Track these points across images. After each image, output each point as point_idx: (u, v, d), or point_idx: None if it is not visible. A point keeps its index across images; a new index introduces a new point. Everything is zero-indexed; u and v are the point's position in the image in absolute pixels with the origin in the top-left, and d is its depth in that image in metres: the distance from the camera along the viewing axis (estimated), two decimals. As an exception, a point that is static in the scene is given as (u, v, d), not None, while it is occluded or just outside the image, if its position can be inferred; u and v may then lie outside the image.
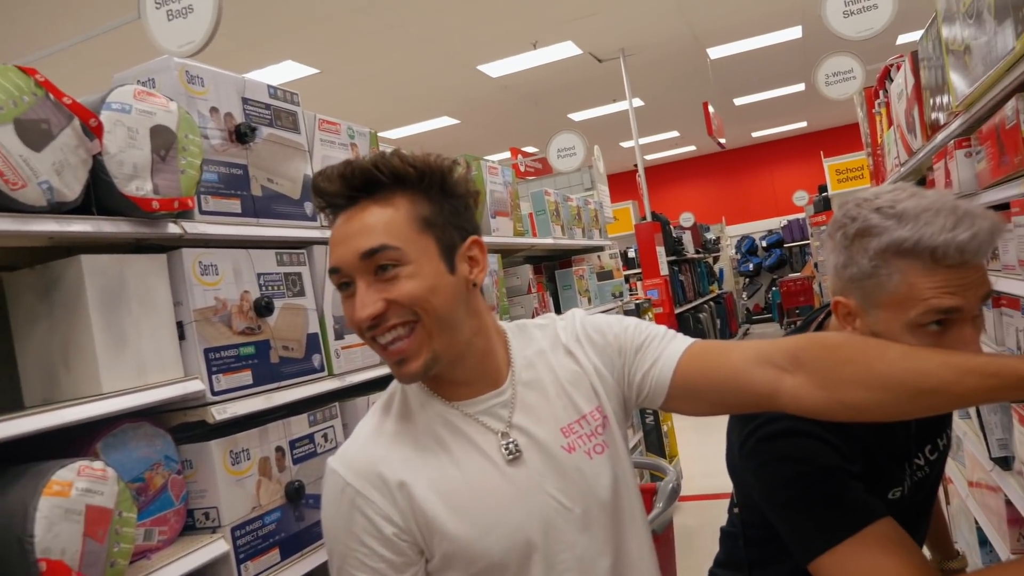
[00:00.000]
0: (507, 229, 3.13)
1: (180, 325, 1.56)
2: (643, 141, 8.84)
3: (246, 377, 1.65)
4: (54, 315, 1.42)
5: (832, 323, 1.17)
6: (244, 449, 1.61)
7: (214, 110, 1.73)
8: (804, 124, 14.59)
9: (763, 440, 1.09)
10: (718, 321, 10.26)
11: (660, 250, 7.50)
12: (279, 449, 1.71)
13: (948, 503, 3.29)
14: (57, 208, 1.33)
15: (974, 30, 1.66)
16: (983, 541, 2.71)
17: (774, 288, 12.23)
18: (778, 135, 15.26)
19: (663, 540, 1.91)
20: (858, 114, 4.30)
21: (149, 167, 1.48)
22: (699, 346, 1.04)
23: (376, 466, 0.95)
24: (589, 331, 1.10)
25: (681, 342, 1.05)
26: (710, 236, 11.89)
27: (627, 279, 6.50)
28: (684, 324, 8.26)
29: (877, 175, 3.95)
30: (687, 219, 10.50)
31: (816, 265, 9.34)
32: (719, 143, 9.08)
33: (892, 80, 2.97)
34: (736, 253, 13.95)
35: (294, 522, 1.70)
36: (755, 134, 14.92)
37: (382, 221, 0.94)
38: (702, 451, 5.39)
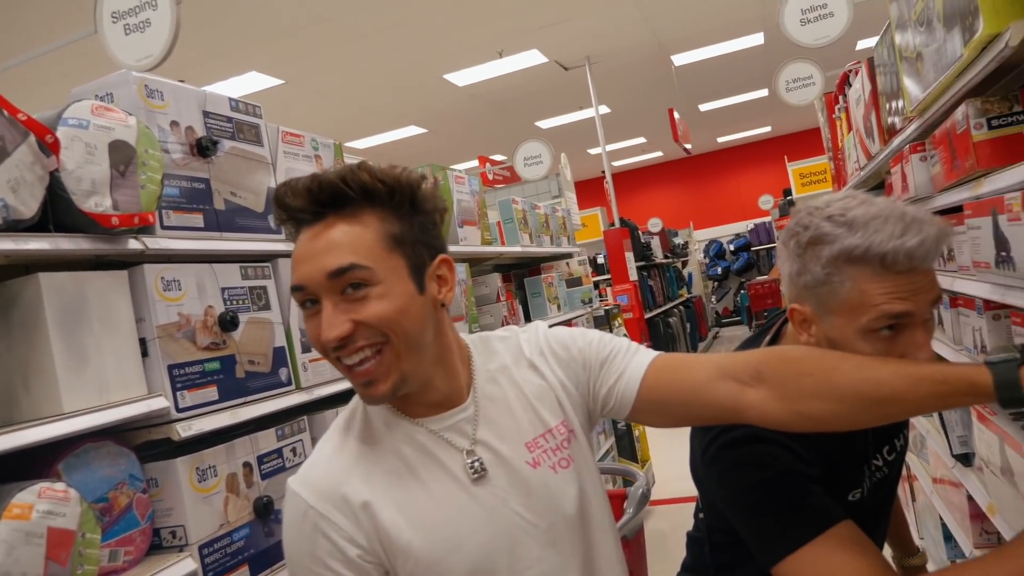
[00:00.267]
0: (475, 238, 3.13)
1: (143, 342, 1.54)
2: (610, 148, 8.90)
3: (212, 393, 1.63)
4: (12, 335, 1.40)
5: (789, 329, 1.19)
6: (211, 466, 1.59)
7: (174, 124, 1.71)
8: (768, 129, 14.81)
9: (724, 447, 1.11)
10: (688, 325, 10.34)
11: (629, 256, 7.55)
12: (247, 465, 1.69)
13: (914, 499, 3.35)
14: (13, 226, 1.31)
15: (925, 37, 1.70)
16: (948, 536, 2.77)
17: (742, 291, 12.37)
18: (743, 140, 15.47)
19: (633, 545, 1.92)
20: (819, 119, 4.38)
21: (108, 183, 1.46)
22: (663, 360, 1.05)
23: (339, 487, 0.94)
24: (553, 345, 1.10)
25: (645, 355, 1.06)
26: (678, 241, 12.00)
27: (596, 285, 6.54)
28: (654, 329, 8.32)
29: (839, 179, 4.02)
30: (655, 224, 10.59)
31: (782, 268, 9.43)
32: (685, 149, 9.18)
33: (851, 85, 3.04)
34: (704, 257, 14.09)
35: (263, 538, 1.69)
36: (721, 139, 15.11)
37: (350, 239, 0.91)
38: (675, 455, 5.40)
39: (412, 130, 10.06)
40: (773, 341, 1.22)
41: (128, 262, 1.57)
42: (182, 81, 1.80)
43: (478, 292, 3.37)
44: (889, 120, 2.32)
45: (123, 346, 1.50)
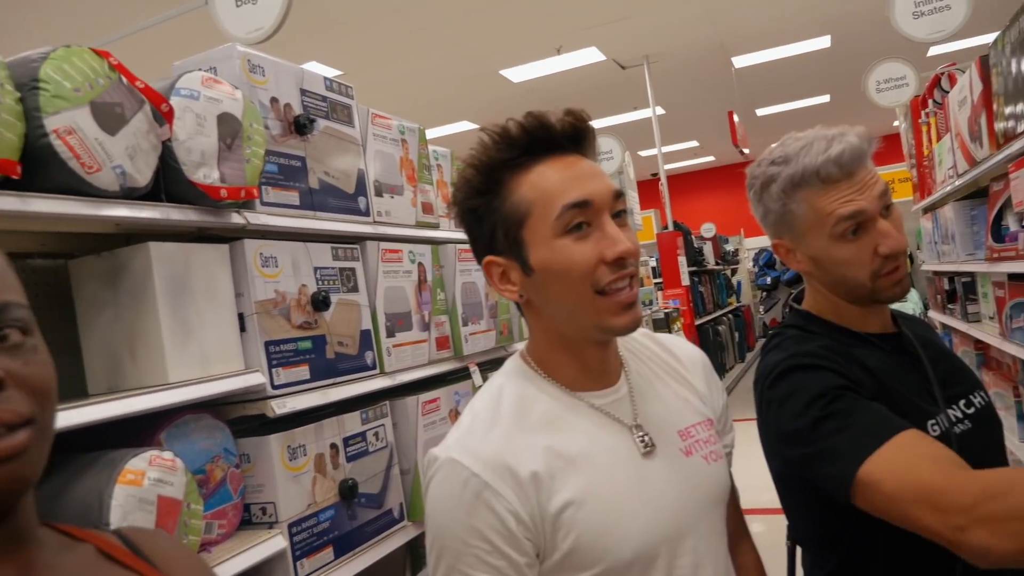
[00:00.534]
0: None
1: (241, 317, 1.53)
2: (664, 150, 8.78)
3: (304, 372, 1.62)
4: (120, 303, 1.40)
5: (808, 295, 1.28)
6: (301, 445, 1.58)
7: (274, 100, 1.71)
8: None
9: (769, 387, 1.15)
10: (736, 335, 10.18)
11: (682, 259, 7.44)
12: (333, 446, 1.68)
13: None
14: (129, 194, 1.32)
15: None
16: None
17: (792, 303, 12.15)
18: (798, 147, 15.14)
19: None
20: (900, 125, 4.23)
21: (216, 155, 1.46)
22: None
23: (503, 457, 0.89)
24: (708, 371, 1.13)
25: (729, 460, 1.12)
26: (729, 248, 11.82)
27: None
28: (704, 336, 8.19)
29: (922, 187, 3.88)
30: (708, 230, 10.43)
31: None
32: (743, 152, 9.03)
33: (943, 89, 2.92)
34: (754, 266, 13.85)
35: (347, 520, 1.67)
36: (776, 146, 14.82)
37: (604, 172, 0.96)
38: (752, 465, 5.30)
39: (464, 125, 10.07)
40: (797, 299, 1.28)
41: (226, 237, 1.57)
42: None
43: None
44: (1007, 124, 2.20)
45: (223, 320, 1.49)
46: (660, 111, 9.43)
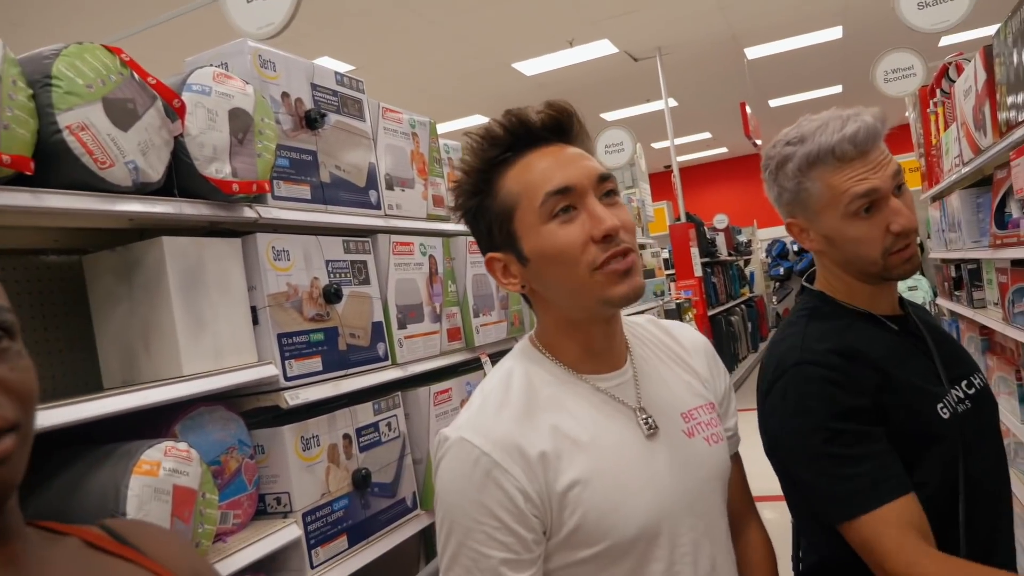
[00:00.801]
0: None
1: (254, 310, 1.55)
2: (676, 142, 8.75)
3: (316, 364, 1.64)
4: (134, 297, 1.42)
5: (819, 273, 1.31)
6: (314, 435, 1.60)
7: (285, 95, 1.72)
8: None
9: (776, 378, 1.18)
10: (749, 325, 10.14)
11: (694, 251, 7.42)
12: (346, 436, 1.70)
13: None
14: (141, 189, 1.33)
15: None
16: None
17: (804, 283, 12.07)
18: (811, 137, 15.03)
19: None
20: (909, 114, 4.20)
21: (228, 150, 1.48)
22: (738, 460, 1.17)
23: (513, 437, 0.91)
24: (710, 356, 1.15)
25: (735, 442, 1.16)
26: (742, 239, 11.76)
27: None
28: (716, 326, 8.17)
29: (930, 176, 3.86)
30: (721, 221, 10.38)
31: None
32: (755, 144, 8.97)
33: (951, 79, 2.90)
34: (767, 256, 13.78)
35: (360, 509, 1.69)
36: (788, 136, 14.71)
37: (589, 156, 0.98)
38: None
39: (477, 119, 10.07)
40: (810, 280, 1.34)
41: (238, 231, 1.59)
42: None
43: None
44: (1009, 113, 2.20)
45: (236, 313, 1.51)
46: (673, 103, 9.39)
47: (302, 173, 1.72)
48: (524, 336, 1.08)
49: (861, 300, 1.25)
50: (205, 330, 1.43)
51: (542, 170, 0.94)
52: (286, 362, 1.56)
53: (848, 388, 1.12)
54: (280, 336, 1.56)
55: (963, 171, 2.91)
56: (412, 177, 2.15)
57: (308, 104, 1.77)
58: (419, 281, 2.04)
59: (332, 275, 1.73)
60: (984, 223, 2.89)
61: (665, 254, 8.18)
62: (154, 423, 1.37)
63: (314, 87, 1.80)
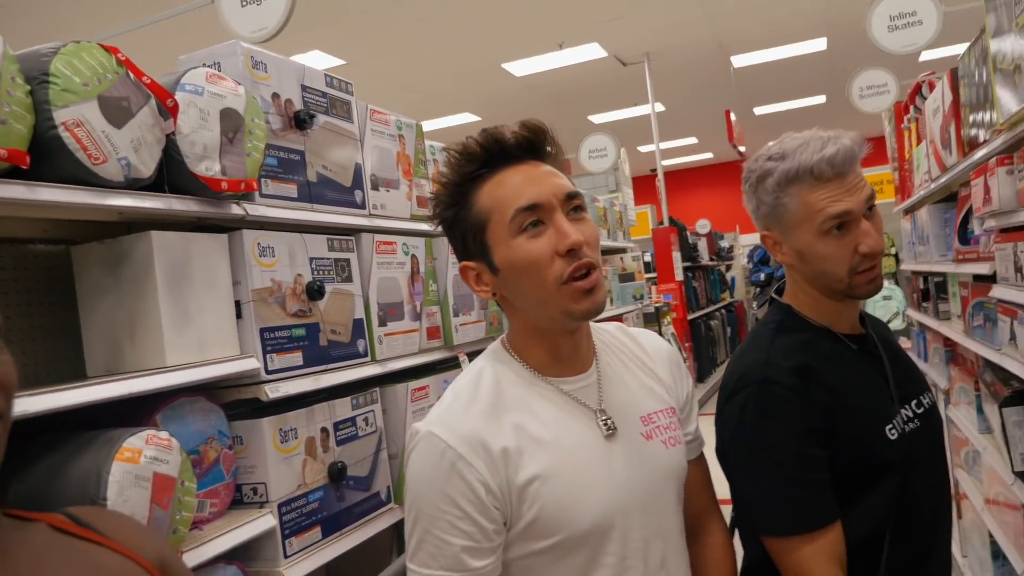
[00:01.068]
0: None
1: (238, 304, 1.59)
2: (662, 146, 8.84)
3: (297, 358, 1.68)
4: (121, 288, 1.46)
5: (788, 284, 1.38)
6: (292, 428, 1.65)
7: (275, 96, 1.76)
8: (822, 136, 14.53)
9: (737, 390, 1.24)
10: (728, 329, 10.26)
11: (676, 255, 7.52)
12: (324, 430, 1.74)
13: (960, 517, 3.32)
14: (132, 184, 1.37)
15: (1027, 49, 1.68)
16: (996, 554, 2.74)
17: (773, 294, 12.20)
18: (795, 146, 15.19)
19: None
20: (885, 128, 4.31)
21: (218, 149, 1.52)
22: (702, 462, 1.24)
23: (478, 433, 0.98)
24: (674, 363, 1.22)
25: (696, 446, 1.23)
26: (724, 244, 11.88)
27: (643, 282, 6.51)
28: (696, 330, 8.27)
29: (903, 190, 3.96)
30: (703, 226, 10.50)
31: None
32: (739, 151, 9.09)
33: (923, 96, 2.99)
34: (748, 262, 13.92)
35: (335, 502, 1.74)
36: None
37: (561, 175, 1.04)
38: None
39: (466, 117, 10.11)
40: (779, 292, 1.41)
41: (226, 227, 1.63)
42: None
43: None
44: (971, 132, 2.29)
45: (220, 307, 1.55)
46: (660, 107, 9.48)
47: (290, 172, 1.77)
48: (497, 339, 1.14)
49: (824, 315, 1.31)
50: (190, 323, 1.48)
51: (514, 187, 1.00)
52: (268, 356, 1.61)
53: (805, 409, 1.18)
54: (263, 330, 1.60)
55: (931, 187, 3.00)
56: (397, 178, 2.20)
57: (298, 105, 1.82)
58: (401, 280, 2.09)
59: (316, 272, 1.78)
60: (950, 238, 2.99)
61: (647, 257, 8.27)
62: (137, 412, 1.41)
63: (304, 88, 1.85)
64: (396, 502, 1.95)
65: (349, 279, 1.89)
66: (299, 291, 1.72)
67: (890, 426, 1.22)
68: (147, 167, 1.39)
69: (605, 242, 4.13)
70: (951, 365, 3.23)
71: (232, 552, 1.45)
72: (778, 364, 1.22)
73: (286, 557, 1.57)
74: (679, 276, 7.43)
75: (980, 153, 2.19)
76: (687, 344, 7.34)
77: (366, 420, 1.89)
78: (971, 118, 2.33)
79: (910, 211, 3.86)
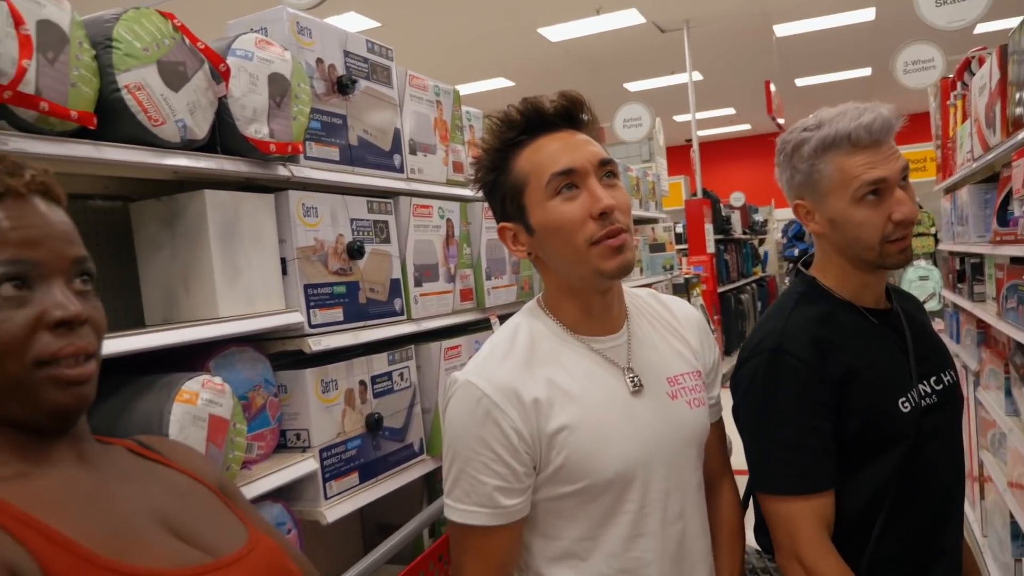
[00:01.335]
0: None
1: (283, 261, 1.68)
2: (699, 116, 8.76)
3: (338, 314, 1.77)
4: (176, 243, 1.55)
5: (817, 258, 1.40)
6: (333, 379, 1.74)
7: (320, 61, 1.83)
8: (864, 109, 14.22)
9: (754, 355, 1.29)
10: (759, 304, 10.21)
11: (709, 227, 7.49)
12: (362, 383, 1.83)
13: (983, 497, 3.34)
14: (188, 145, 1.45)
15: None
16: (1016, 534, 2.77)
17: (799, 266, 12.08)
18: (836, 119, 14.89)
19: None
20: (930, 105, 4.24)
21: (266, 112, 1.59)
22: (720, 425, 1.31)
23: (512, 383, 1.05)
24: (703, 330, 1.28)
25: (717, 410, 1.30)
26: (758, 218, 11.76)
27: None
28: (726, 303, 8.26)
29: (945, 168, 3.91)
30: (738, 199, 10.40)
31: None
32: (778, 123, 8.96)
33: (972, 72, 2.94)
34: (782, 237, 13.77)
35: (372, 450, 1.84)
36: (813, 116, 14.59)
37: (594, 142, 1.10)
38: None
39: (500, 82, 10.09)
40: (805, 265, 1.44)
41: (272, 187, 1.71)
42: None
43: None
44: (1017, 111, 2.26)
45: (267, 263, 1.64)
46: (697, 76, 9.36)
47: (332, 135, 1.84)
48: (533, 298, 1.21)
49: (849, 288, 1.33)
50: (239, 277, 1.57)
51: (551, 152, 1.06)
52: (311, 311, 1.69)
53: (814, 381, 1.23)
54: (306, 287, 1.69)
55: (973, 167, 2.97)
56: (434, 143, 2.26)
57: (340, 70, 1.88)
58: (436, 243, 2.16)
59: (356, 233, 1.86)
60: (989, 219, 2.96)
61: (679, 228, 8.25)
62: (191, 359, 1.51)
63: (346, 54, 1.91)
64: (428, 454, 2.05)
65: (387, 240, 1.97)
66: (340, 250, 1.80)
67: (904, 399, 1.26)
68: (201, 129, 1.46)
69: (637, 212, 4.16)
70: (982, 347, 3.23)
71: (277, 491, 1.56)
72: (794, 335, 1.26)
73: (326, 499, 1.67)
74: (711, 248, 7.41)
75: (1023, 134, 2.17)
76: (715, 317, 7.34)
77: (401, 375, 1.98)
78: (1018, 96, 2.29)
79: (951, 190, 3.82)
